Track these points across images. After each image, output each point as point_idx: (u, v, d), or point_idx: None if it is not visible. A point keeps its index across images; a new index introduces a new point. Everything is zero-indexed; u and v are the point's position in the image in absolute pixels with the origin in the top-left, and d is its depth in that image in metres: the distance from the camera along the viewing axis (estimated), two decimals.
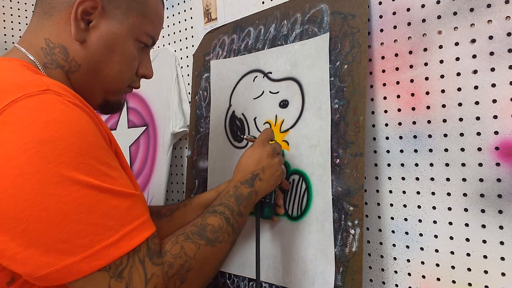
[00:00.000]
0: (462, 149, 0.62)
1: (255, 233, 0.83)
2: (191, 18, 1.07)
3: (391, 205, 0.71)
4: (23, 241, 0.40)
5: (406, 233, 0.69)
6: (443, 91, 0.64)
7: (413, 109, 0.68)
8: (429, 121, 0.66)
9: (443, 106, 0.64)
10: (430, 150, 0.66)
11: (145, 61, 0.63)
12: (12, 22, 1.45)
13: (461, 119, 0.62)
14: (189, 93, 1.07)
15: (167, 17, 1.13)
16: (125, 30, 0.56)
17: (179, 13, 1.10)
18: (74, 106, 0.45)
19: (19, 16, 1.46)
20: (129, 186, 0.47)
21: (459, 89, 0.63)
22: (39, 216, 0.40)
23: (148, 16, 0.59)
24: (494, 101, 0.59)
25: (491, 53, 0.59)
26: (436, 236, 0.66)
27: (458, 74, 0.63)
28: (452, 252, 0.64)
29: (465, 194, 0.62)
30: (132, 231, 0.44)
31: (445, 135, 0.64)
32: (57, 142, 0.41)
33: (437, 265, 0.66)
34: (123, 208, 0.44)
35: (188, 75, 1.08)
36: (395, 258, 0.71)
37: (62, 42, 0.55)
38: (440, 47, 0.64)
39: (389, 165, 0.71)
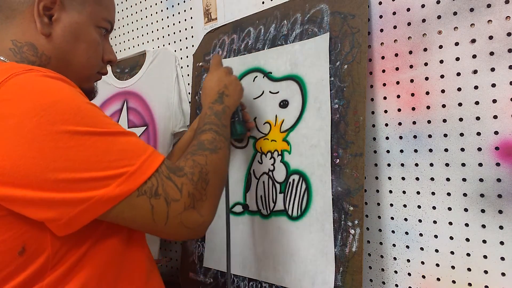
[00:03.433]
0: (462, 149, 0.62)
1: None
2: (191, 18, 1.07)
3: (391, 205, 0.71)
4: (55, 189, 0.45)
5: (406, 233, 0.69)
6: (443, 91, 0.64)
7: (413, 109, 0.68)
8: (429, 121, 0.66)
9: (443, 106, 0.64)
10: (430, 150, 0.66)
11: (107, 47, 0.67)
12: None
13: (461, 119, 0.62)
14: (189, 93, 1.07)
15: (167, 17, 1.13)
16: (84, 18, 0.61)
17: (179, 13, 1.10)
18: (59, 81, 0.50)
19: None
20: (128, 130, 0.53)
21: (459, 89, 0.63)
22: (63, 166, 0.45)
23: (102, 3, 0.64)
24: (494, 101, 0.59)
25: (491, 53, 0.59)
26: (436, 236, 0.66)
27: (458, 74, 0.63)
28: (452, 252, 0.64)
29: (465, 194, 0.62)
30: (149, 158, 0.51)
31: (445, 135, 0.64)
32: (56, 105, 0.46)
33: (437, 265, 0.66)
34: (133, 143, 0.51)
35: (188, 75, 1.08)
36: (395, 258, 0.71)
37: (29, 40, 0.57)
38: (440, 47, 0.64)
39: (389, 165, 0.71)
